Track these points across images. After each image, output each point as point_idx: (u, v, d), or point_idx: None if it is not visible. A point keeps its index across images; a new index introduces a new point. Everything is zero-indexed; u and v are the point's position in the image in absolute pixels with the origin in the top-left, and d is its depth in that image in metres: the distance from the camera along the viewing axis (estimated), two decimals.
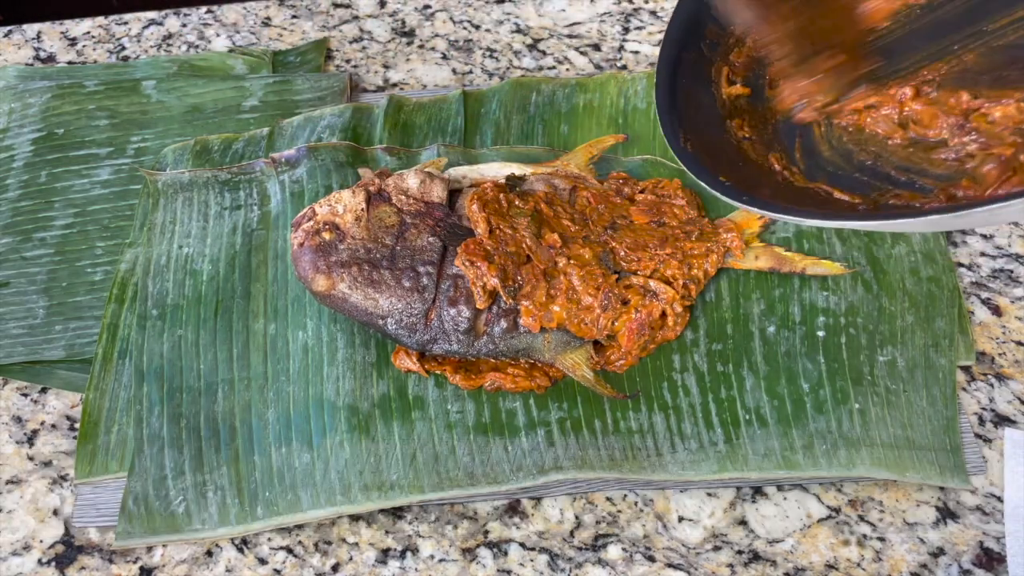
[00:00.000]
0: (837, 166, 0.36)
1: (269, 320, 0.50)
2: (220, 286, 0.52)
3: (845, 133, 0.38)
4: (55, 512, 0.46)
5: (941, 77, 0.36)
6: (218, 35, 0.68)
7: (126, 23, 0.69)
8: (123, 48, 0.67)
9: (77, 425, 0.49)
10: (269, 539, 0.46)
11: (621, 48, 0.67)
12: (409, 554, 0.45)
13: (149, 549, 0.45)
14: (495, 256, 0.47)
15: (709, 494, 0.47)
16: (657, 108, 0.39)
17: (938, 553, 0.45)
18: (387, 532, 0.46)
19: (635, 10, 0.70)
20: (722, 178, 0.36)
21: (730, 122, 0.40)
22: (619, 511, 0.47)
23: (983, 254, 0.56)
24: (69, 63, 0.67)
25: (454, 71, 0.66)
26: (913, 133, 0.36)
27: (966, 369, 0.51)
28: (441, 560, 0.45)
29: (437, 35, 0.69)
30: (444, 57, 0.67)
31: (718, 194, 0.34)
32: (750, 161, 0.39)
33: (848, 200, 0.34)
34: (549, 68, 0.66)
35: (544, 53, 0.67)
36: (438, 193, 0.50)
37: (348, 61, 0.67)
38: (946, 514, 0.46)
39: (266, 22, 0.69)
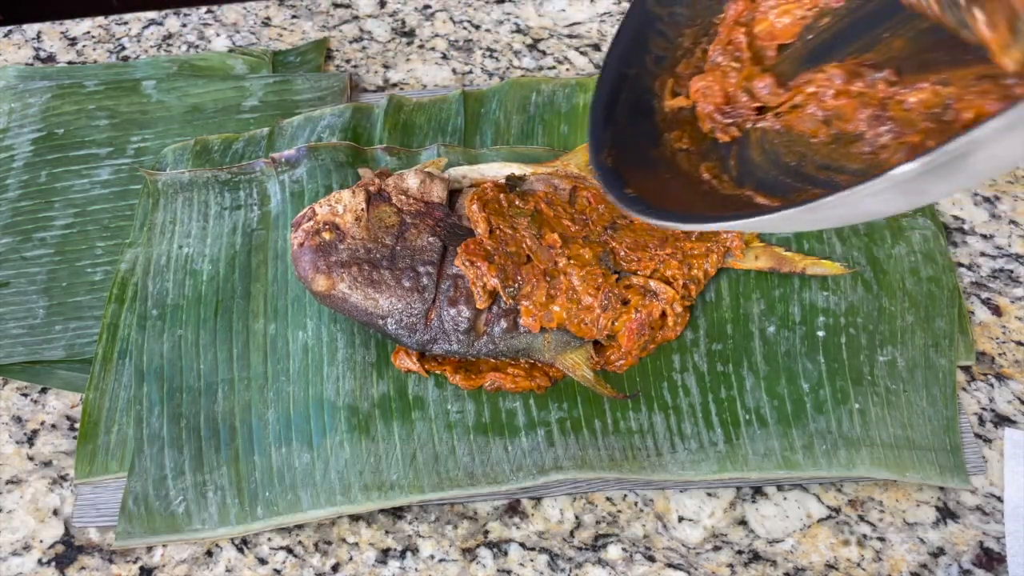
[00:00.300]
0: (766, 171, 0.36)
1: (269, 320, 0.50)
2: (220, 286, 0.52)
3: (777, 136, 0.38)
4: (55, 512, 0.46)
5: (872, 69, 0.36)
6: (218, 35, 0.68)
7: (126, 23, 0.69)
8: (123, 48, 0.67)
9: (77, 425, 0.49)
10: (269, 539, 0.46)
11: None
12: (409, 554, 0.45)
13: (149, 549, 0.45)
14: (495, 256, 0.47)
15: (709, 494, 0.47)
16: (589, 123, 0.39)
17: (938, 553, 0.45)
18: (387, 532, 0.46)
19: None
20: (629, 190, 0.37)
21: (668, 135, 0.41)
22: (619, 511, 0.47)
23: (983, 254, 0.56)
24: (69, 63, 0.67)
25: (454, 71, 0.66)
26: (835, 129, 0.35)
27: (966, 369, 0.51)
28: (441, 560, 0.45)
29: (437, 35, 0.69)
30: (444, 57, 0.67)
31: (621, 207, 0.36)
32: (680, 173, 0.39)
33: (766, 203, 0.34)
34: (549, 68, 0.66)
35: (544, 53, 0.67)
36: (438, 193, 0.50)
37: (348, 61, 0.67)
38: (946, 514, 0.46)
39: (266, 22, 0.69)
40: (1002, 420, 0.49)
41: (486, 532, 0.46)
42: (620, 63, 0.42)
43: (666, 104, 0.42)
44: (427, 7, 0.71)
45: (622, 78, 0.42)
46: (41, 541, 0.46)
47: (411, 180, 0.50)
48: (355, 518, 0.46)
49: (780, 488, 0.47)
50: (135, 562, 0.45)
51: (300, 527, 0.46)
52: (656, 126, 0.41)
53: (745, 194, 0.36)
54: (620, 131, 0.40)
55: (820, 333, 0.51)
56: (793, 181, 0.35)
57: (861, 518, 0.46)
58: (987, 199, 0.58)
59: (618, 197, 0.36)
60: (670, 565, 0.45)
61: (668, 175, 0.39)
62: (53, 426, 0.49)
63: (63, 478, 0.48)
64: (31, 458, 0.48)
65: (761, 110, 0.39)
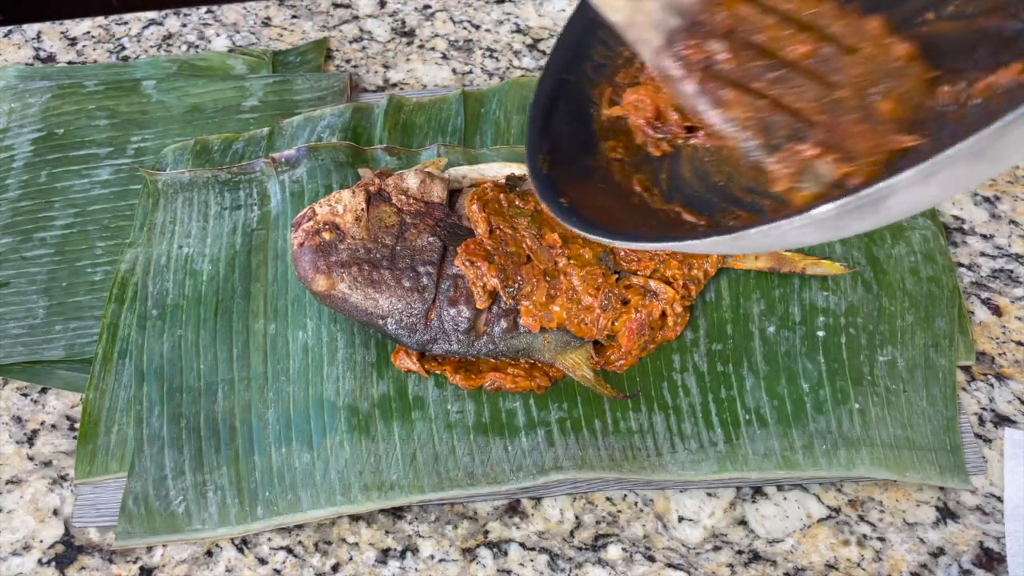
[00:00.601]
0: (694, 187, 0.37)
1: (269, 320, 0.50)
2: (220, 286, 0.52)
3: (707, 154, 0.38)
4: (55, 512, 0.46)
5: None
6: (218, 35, 0.68)
7: (126, 23, 0.69)
8: (123, 48, 0.67)
9: (77, 425, 0.49)
10: (269, 539, 0.46)
11: None
12: (409, 554, 0.45)
13: (149, 549, 0.45)
14: (495, 256, 0.47)
15: (709, 494, 0.47)
16: (528, 129, 0.40)
17: (938, 553, 0.45)
18: (387, 532, 0.46)
19: None
20: (563, 200, 0.37)
21: (604, 144, 0.41)
22: (619, 511, 0.47)
23: (983, 254, 0.56)
24: (69, 63, 0.67)
25: (454, 71, 0.66)
26: None
27: (966, 369, 0.51)
28: (441, 560, 0.45)
29: (437, 35, 0.69)
30: (444, 57, 0.67)
31: (555, 217, 0.36)
32: (613, 183, 0.39)
33: (693, 221, 0.34)
34: None
35: (544, 53, 0.67)
36: (438, 193, 0.50)
37: (348, 61, 0.67)
38: (946, 514, 0.46)
39: (266, 22, 0.69)
40: (1002, 420, 0.49)
41: (486, 532, 0.46)
42: (560, 69, 0.42)
43: (603, 113, 0.42)
44: (427, 7, 0.71)
45: (562, 84, 0.42)
46: (41, 541, 0.46)
47: (411, 180, 0.50)
48: (355, 518, 0.46)
49: (780, 488, 0.47)
50: (135, 562, 0.45)
51: (300, 527, 0.46)
52: (593, 134, 0.41)
53: (674, 210, 0.36)
54: (557, 138, 0.40)
55: (820, 333, 0.51)
56: (720, 201, 0.35)
57: (861, 518, 0.46)
58: (987, 199, 0.58)
59: (551, 206, 0.37)
60: (670, 565, 0.45)
61: (603, 185, 0.39)
62: (53, 426, 0.49)
63: (63, 478, 0.48)
64: (31, 458, 0.48)
65: (691, 128, 0.39)
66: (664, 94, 0.39)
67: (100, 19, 0.69)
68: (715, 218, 0.34)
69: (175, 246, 0.53)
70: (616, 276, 0.49)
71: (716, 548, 0.45)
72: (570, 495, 0.47)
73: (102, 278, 0.54)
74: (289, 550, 0.45)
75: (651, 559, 0.45)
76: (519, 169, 0.53)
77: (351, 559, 0.45)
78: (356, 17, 0.70)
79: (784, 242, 0.29)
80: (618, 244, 0.34)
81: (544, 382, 0.48)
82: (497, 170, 0.53)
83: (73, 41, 0.68)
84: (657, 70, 0.31)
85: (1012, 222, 0.57)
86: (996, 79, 0.27)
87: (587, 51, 0.42)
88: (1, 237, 0.56)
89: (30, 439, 0.49)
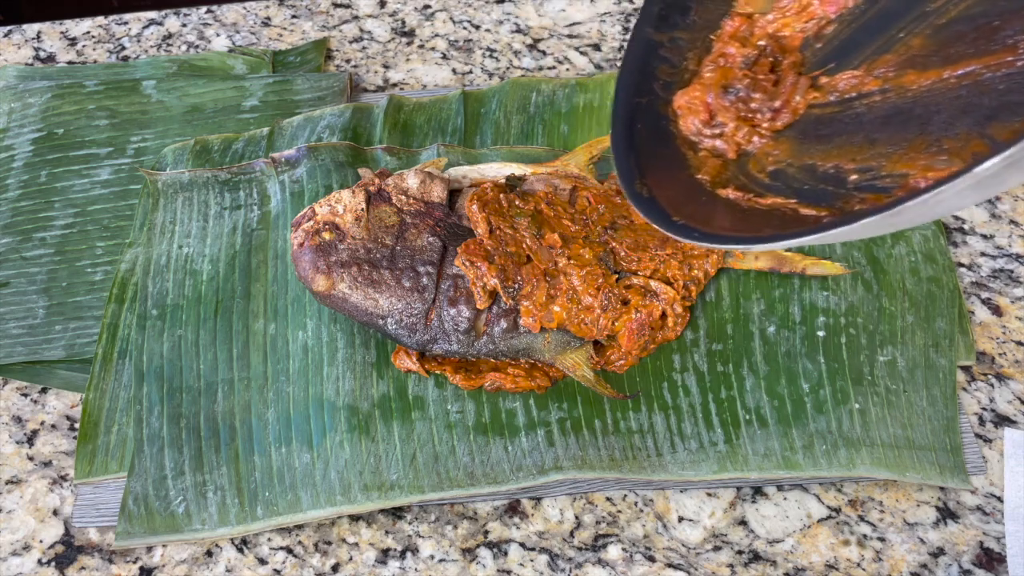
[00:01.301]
0: (802, 181, 0.36)
1: (269, 320, 0.50)
2: (220, 286, 0.52)
3: (782, 148, 0.38)
4: (55, 512, 0.46)
5: (892, 69, 0.36)
6: (218, 35, 0.68)
7: (126, 23, 0.69)
8: (123, 48, 0.67)
9: (77, 425, 0.49)
10: (269, 539, 0.46)
11: (621, 48, 0.67)
12: (409, 554, 0.45)
13: (149, 549, 0.45)
14: (495, 256, 0.47)
15: (709, 494, 0.47)
16: (614, 158, 0.39)
17: (938, 553, 0.45)
18: (387, 532, 0.46)
19: (635, 10, 0.70)
20: (676, 218, 0.37)
21: (691, 155, 0.41)
22: (619, 511, 0.47)
23: (983, 254, 0.56)
24: (69, 63, 0.67)
25: (454, 71, 0.66)
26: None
27: (966, 369, 0.51)
28: (441, 560, 0.45)
29: (437, 35, 0.69)
30: (444, 57, 0.67)
31: (673, 235, 0.35)
32: (711, 192, 0.39)
33: (814, 214, 0.34)
34: (549, 68, 0.66)
35: (544, 53, 0.67)
36: (438, 193, 0.50)
37: (348, 61, 0.67)
38: (946, 514, 0.46)
39: (266, 22, 0.69)
40: (1002, 420, 0.49)
41: (486, 532, 0.46)
42: (631, 93, 0.42)
43: (681, 128, 0.42)
44: (427, 7, 0.71)
45: (635, 108, 0.42)
46: (41, 541, 0.46)
47: (411, 180, 0.50)
48: (355, 518, 0.46)
49: (780, 488, 0.47)
50: (135, 562, 0.45)
51: (300, 527, 0.46)
52: (678, 150, 0.41)
53: (788, 206, 0.36)
54: (646, 160, 0.40)
55: (820, 333, 0.51)
56: (835, 188, 0.34)
57: (861, 518, 0.46)
58: (987, 199, 0.58)
59: (669, 229, 0.36)
60: (670, 565, 0.45)
61: (702, 197, 0.39)
62: (53, 426, 0.49)
63: (63, 478, 0.48)
64: (31, 458, 0.48)
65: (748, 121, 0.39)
66: (715, 91, 0.39)
67: (100, 19, 0.69)
68: (836, 206, 0.33)
69: (175, 246, 0.53)
70: (616, 276, 0.49)
71: (716, 548, 0.45)
72: (570, 495, 0.47)
73: (102, 278, 0.54)
74: (289, 550, 0.45)
75: (651, 559, 0.45)
76: (519, 169, 0.53)
77: (351, 559, 0.45)
78: (356, 17, 0.70)
79: (939, 210, 0.28)
80: (757, 248, 0.33)
81: (544, 382, 0.48)
82: (497, 170, 0.53)
83: (73, 41, 0.68)
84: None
85: (1012, 222, 0.57)
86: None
87: (652, 71, 0.43)
88: (1, 237, 0.56)
89: (30, 439, 0.49)
